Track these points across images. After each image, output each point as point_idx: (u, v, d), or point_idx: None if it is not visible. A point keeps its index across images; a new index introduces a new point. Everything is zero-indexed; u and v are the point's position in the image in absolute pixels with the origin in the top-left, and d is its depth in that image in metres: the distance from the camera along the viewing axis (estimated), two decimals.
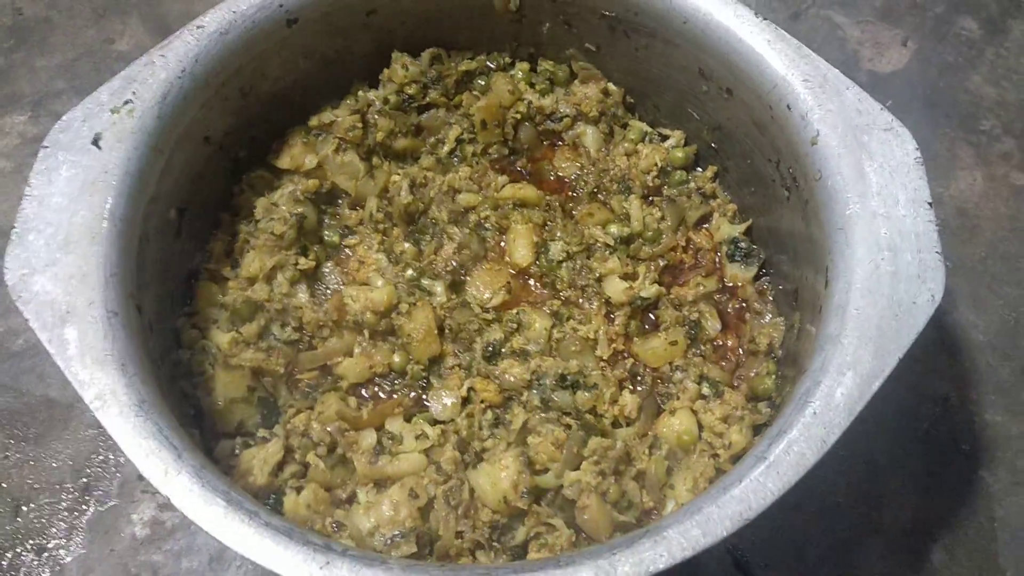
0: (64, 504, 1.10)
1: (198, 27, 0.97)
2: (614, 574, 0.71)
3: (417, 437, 0.94)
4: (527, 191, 1.11)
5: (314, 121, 1.11)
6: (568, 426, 0.94)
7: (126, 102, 0.92)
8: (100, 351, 0.80)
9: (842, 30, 1.47)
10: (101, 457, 1.12)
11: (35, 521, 1.09)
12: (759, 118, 0.98)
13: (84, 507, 1.10)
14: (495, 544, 0.90)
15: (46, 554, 1.07)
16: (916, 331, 0.81)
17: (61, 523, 1.09)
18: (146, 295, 0.91)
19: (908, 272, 0.83)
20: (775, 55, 0.95)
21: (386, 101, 1.12)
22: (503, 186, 1.12)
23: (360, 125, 1.10)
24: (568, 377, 0.97)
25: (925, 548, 1.09)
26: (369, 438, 0.94)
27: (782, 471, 0.75)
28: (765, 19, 0.97)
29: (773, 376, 0.99)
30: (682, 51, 1.03)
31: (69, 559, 1.07)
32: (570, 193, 1.14)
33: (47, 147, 0.90)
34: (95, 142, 0.90)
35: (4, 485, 1.11)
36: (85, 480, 1.11)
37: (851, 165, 0.88)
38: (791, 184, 0.97)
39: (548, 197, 1.12)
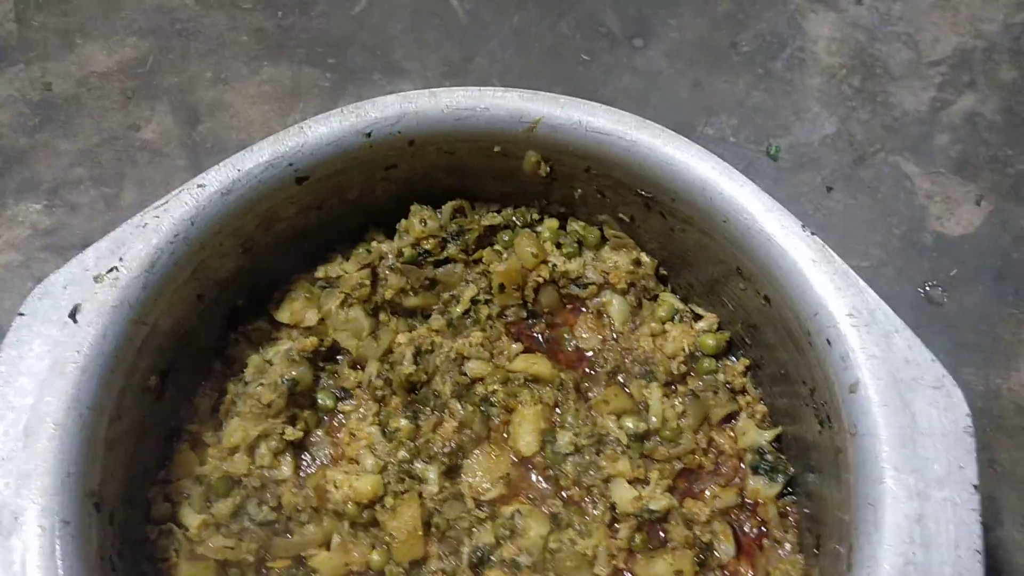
0: None
1: (198, 186, 0.90)
2: None
3: None
4: (540, 367, 1.03)
5: (321, 273, 1.04)
6: None
7: (111, 269, 0.86)
8: (45, 570, 0.74)
9: (911, 180, 1.35)
10: None
11: None
12: (796, 339, 0.89)
13: None
14: None
15: None
16: None
17: None
18: (111, 474, 0.85)
19: (941, 573, 0.73)
20: (821, 278, 0.85)
21: (400, 254, 1.04)
22: (516, 355, 1.04)
23: (368, 282, 1.03)
24: None
25: None
26: None
27: None
28: (813, 234, 0.87)
29: None
30: (720, 246, 0.94)
31: None
32: (587, 370, 1.05)
33: (23, 315, 0.84)
34: (72, 315, 0.84)
35: None
36: None
37: (892, 428, 0.78)
38: (824, 420, 0.87)
39: (562, 374, 1.03)
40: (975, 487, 0.76)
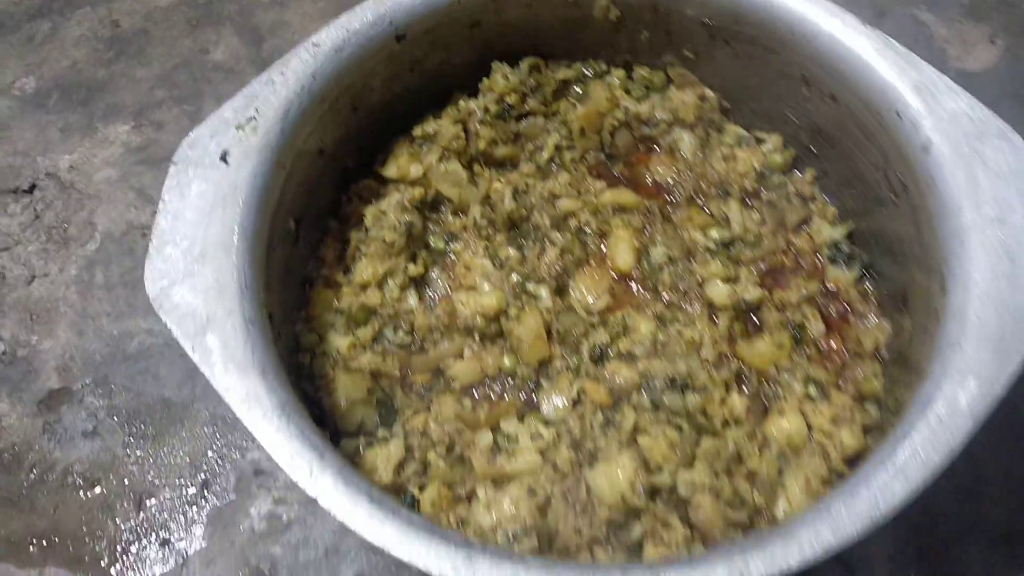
0: (185, 498, 1.14)
1: (314, 45, 1.00)
2: (748, 572, 0.73)
3: (532, 437, 0.97)
4: (626, 196, 1.13)
5: (418, 131, 1.14)
6: (679, 427, 0.96)
7: (250, 119, 0.96)
8: (241, 358, 0.84)
9: (928, 28, 1.46)
10: (217, 454, 1.17)
11: (158, 515, 1.14)
12: (866, 124, 0.99)
13: (203, 501, 1.14)
14: (612, 541, 0.92)
15: (169, 546, 1.12)
16: None
17: (182, 517, 1.13)
18: (272, 302, 0.95)
19: None
20: (884, 63, 0.96)
21: (487, 110, 1.14)
22: (601, 191, 1.15)
23: (462, 135, 1.13)
24: (677, 380, 0.99)
25: None
26: (486, 438, 0.97)
27: (910, 475, 0.76)
28: (873, 28, 0.98)
29: (880, 378, 1.01)
30: (784, 59, 1.05)
31: (192, 551, 1.11)
32: (667, 198, 1.16)
33: (176, 163, 0.94)
34: (223, 158, 0.94)
35: (126, 481, 1.16)
36: (203, 476, 1.16)
37: (965, 172, 0.89)
38: (900, 190, 0.98)
39: (646, 202, 1.14)
40: None
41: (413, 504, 0.92)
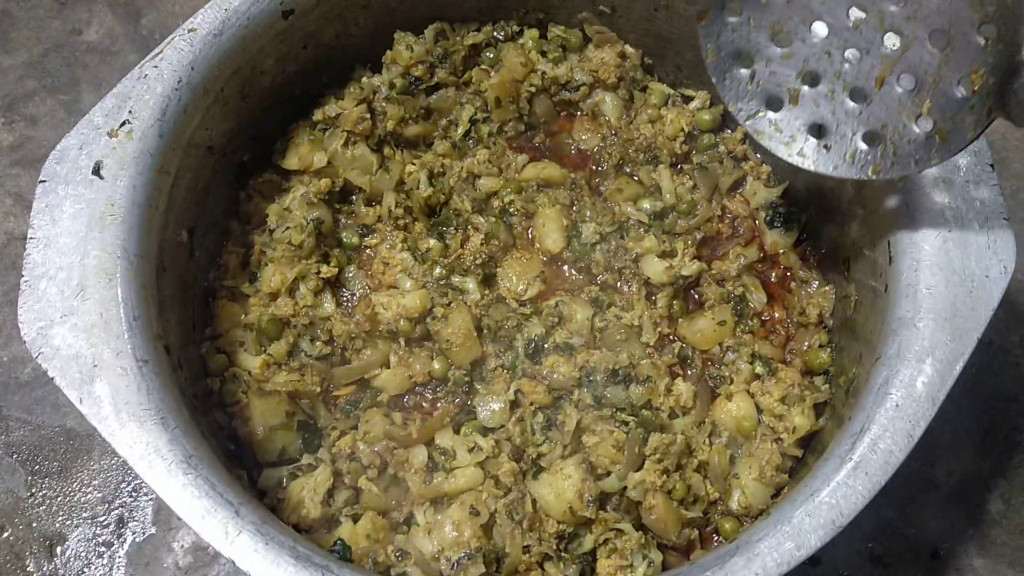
0: (100, 539, 1.06)
1: (190, 31, 0.89)
2: None
3: (470, 450, 0.90)
4: (550, 170, 1.05)
5: (319, 115, 1.03)
6: (625, 423, 0.90)
7: (123, 123, 0.85)
8: (136, 406, 0.75)
9: None
10: (130, 485, 1.08)
11: (72, 561, 1.05)
12: None
13: (120, 540, 1.06)
14: (563, 555, 0.87)
15: None
16: (992, 307, 0.78)
17: (99, 560, 1.05)
18: (169, 328, 0.85)
19: (977, 243, 0.79)
20: None
21: (392, 86, 1.05)
22: (523, 166, 1.07)
23: (368, 116, 1.03)
24: (619, 371, 0.93)
25: (981, 499, 1.08)
26: (420, 455, 0.90)
27: (870, 472, 0.72)
28: None
29: (828, 348, 0.96)
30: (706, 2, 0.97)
31: None
32: (594, 167, 1.08)
33: (45, 181, 0.83)
34: (96, 171, 0.83)
35: (34, 525, 1.06)
36: (118, 512, 1.07)
37: None
38: None
39: (572, 174, 1.06)
40: (991, 167, 0.82)
41: (344, 551, 0.84)
